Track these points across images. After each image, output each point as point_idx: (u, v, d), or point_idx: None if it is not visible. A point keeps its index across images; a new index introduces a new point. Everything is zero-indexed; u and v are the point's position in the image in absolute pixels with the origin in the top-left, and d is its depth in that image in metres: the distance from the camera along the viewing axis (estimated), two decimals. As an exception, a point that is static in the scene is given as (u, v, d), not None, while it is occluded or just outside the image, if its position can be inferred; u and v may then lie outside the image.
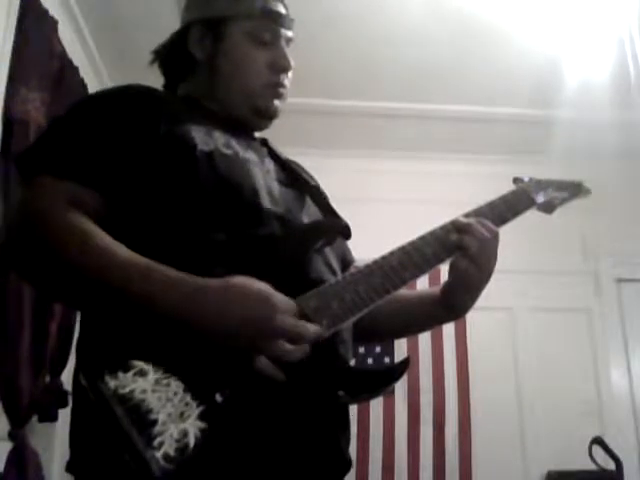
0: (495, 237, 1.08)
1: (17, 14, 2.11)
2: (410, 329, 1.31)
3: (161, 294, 0.84)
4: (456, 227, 1.06)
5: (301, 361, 0.85)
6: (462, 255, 1.05)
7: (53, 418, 2.32)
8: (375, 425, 3.35)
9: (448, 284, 1.11)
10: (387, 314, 1.15)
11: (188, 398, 0.79)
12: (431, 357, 3.48)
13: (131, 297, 0.84)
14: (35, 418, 2.23)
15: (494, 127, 3.49)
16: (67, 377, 2.33)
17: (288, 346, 0.83)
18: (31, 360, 2.10)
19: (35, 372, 2.14)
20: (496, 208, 1.14)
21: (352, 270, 1.03)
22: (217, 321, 0.83)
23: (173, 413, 0.77)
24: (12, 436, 2.05)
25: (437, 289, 1.14)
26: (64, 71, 2.41)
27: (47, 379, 2.28)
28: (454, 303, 1.12)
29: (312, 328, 0.87)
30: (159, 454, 0.74)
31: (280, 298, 0.86)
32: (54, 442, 2.41)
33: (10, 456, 2.02)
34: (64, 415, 2.32)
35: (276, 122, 1.20)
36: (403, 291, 1.06)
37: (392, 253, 1.02)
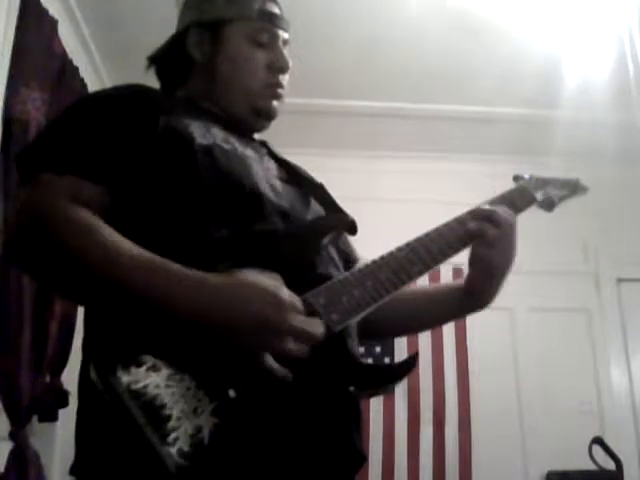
0: (513, 218, 1.11)
1: (17, 14, 2.12)
2: (434, 322, 1.31)
3: (166, 290, 0.83)
4: (475, 215, 1.08)
5: (312, 356, 0.85)
6: (481, 242, 1.07)
7: (53, 418, 2.32)
8: (375, 425, 3.35)
9: (472, 273, 1.11)
10: (410, 309, 1.17)
11: (201, 394, 0.78)
12: (431, 357, 3.47)
13: (136, 292, 0.84)
14: (35, 418, 2.23)
15: (494, 127, 3.48)
16: (67, 377, 2.32)
17: (293, 344, 0.83)
18: (31, 360, 2.09)
19: (35, 372, 2.14)
20: (497, 206, 1.15)
21: (360, 266, 1.03)
22: (221, 318, 0.82)
23: (186, 409, 0.77)
24: (13, 436, 2.05)
25: (460, 281, 1.15)
26: (64, 71, 2.42)
27: (47, 379, 2.28)
28: (480, 291, 1.13)
29: (320, 328, 0.87)
30: (174, 450, 0.73)
31: (288, 295, 0.85)
32: (54, 442, 2.41)
33: (11, 456, 2.02)
34: (64, 415, 2.32)
35: (276, 122, 1.20)
36: (422, 286, 1.06)
37: (407, 245, 1.03)
